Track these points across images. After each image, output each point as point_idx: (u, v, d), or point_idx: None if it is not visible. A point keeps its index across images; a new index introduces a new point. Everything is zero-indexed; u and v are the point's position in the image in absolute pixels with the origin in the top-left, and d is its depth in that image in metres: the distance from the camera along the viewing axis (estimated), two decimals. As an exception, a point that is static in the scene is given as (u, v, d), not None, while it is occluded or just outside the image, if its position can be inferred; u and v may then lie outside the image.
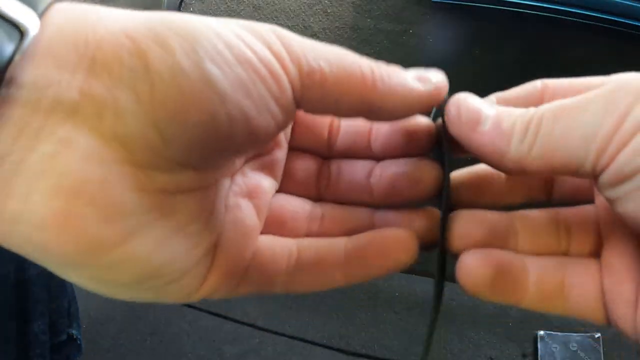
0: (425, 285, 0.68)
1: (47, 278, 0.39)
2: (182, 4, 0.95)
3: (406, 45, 0.81)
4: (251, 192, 0.21)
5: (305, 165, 0.23)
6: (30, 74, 0.14)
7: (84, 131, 0.15)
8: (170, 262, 0.17)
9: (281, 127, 0.18)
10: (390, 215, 0.22)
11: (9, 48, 0.14)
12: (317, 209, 0.22)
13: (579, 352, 0.60)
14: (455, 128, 0.20)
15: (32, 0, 0.15)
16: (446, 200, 0.21)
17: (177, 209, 0.17)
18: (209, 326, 0.67)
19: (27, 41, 0.14)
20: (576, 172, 0.17)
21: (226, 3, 0.93)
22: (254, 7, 0.92)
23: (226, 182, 0.21)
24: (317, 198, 0.23)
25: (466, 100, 0.20)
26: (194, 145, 0.16)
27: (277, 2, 0.92)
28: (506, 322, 0.63)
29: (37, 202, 0.14)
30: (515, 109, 0.19)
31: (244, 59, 0.16)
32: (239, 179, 0.22)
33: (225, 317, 0.67)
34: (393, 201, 0.22)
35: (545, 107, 0.18)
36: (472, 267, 0.20)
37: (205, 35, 0.16)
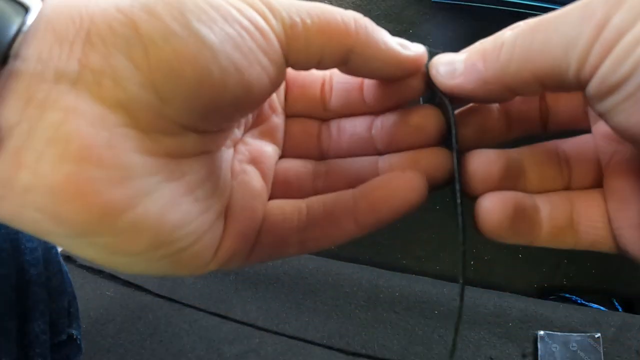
0: (425, 286, 0.68)
1: (47, 278, 0.39)
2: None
3: (406, 46, 0.81)
4: (255, 159, 0.22)
5: (304, 128, 0.23)
6: (35, 48, 0.15)
7: (86, 99, 0.15)
8: (183, 225, 0.17)
9: (274, 83, 0.19)
10: (395, 159, 0.22)
11: (15, 23, 0.15)
12: (321, 167, 0.23)
13: (579, 352, 0.60)
14: (440, 85, 0.21)
15: None
16: (455, 141, 0.21)
17: (184, 173, 0.18)
18: (209, 326, 0.67)
19: (31, 17, 0.15)
20: (561, 84, 0.18)
21: (226, 3, 0.93)
22: (254, 7, 0.92)
23: (229, 151, 0.21)
24: (320, 159, 0.23)
25: (440, 58, 0.22)
26: (192, 102, 0.17)
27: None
28: (506, 322, 0.63)
29: (47, 169, 0.15)
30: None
31: (230, 17, 0.17)
32: (241, 147, 0.22)
33: (225, 317, 0.67)
34: (398, 151, 0.23)
35: (521, 23, 0.19)
36: (492, 210, 0.20)
37: (191, 0, 0.16)
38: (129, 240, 0.16)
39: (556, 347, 0.61)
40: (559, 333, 0.61)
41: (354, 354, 0.63)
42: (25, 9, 0.15)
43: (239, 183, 0.21)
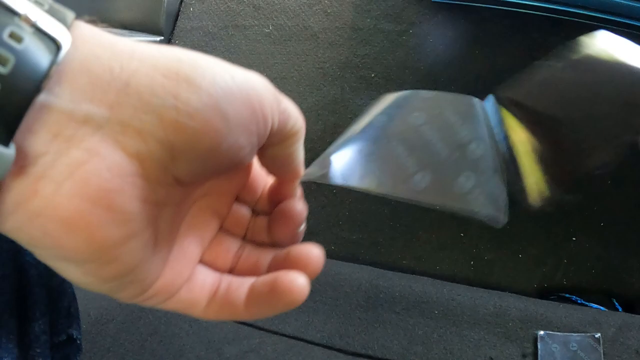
0: (425, 286, 0.68)
1: (47, 279, 0.39)
2: (182, 3, 0.95)
3: (406, 45, 0.81)
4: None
5: (242, 213, 0.26)
6: (68, 87, 0.17)
7: (109, 144, 0.17)
8: (145, 263, 0.20)
9: (251, 158, 0.22)
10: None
11: (47, 58, 0.16)
12: (241, 248, 0.26)
13: (579, 352, 0.60)
14: None
15: (62, 16, 0.17)
16: None
17: (159, 219, 0.20)
18: (209, 326, 0.67)
19: (63, 53, 0.16)
20: None
21: (226, 3, 0.93)
22: (254, 7, 0.92)
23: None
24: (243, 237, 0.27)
25: None
26: (197, 164, 0.19)
27: (277, 2, 0.92)
28: (506, 322, 0.63)
29: (63, 201, 0.17)
30: None
31: (250, 106, 0.19)
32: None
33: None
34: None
35: None
36: None
37: (223, 80, 0.19)
38: (108, 269, 0.18)
39: (556, 347, 0.61)
40: (559, 333, 0.61)
41: (354, 354, 0.63)
42: (57, 46, 0.16)
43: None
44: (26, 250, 0.37)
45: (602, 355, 0.59)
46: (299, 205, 0.26)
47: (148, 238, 0.19)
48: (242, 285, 0.23)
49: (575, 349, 0.60)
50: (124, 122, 0.17)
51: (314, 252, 0.24)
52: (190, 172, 0.19)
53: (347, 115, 0.82)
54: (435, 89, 0.76)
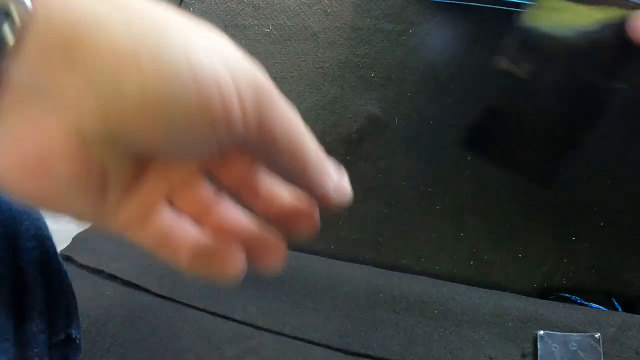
0: (425, 286, 0.68)
1: (46, 278, 0.39)
2: (182, 3, 0.95)
3: (406, 45, 0.81)
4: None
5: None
6: (21, 62, 0.16)
7: (47, 113, 0.17)
8: (92, 209, 0.20)
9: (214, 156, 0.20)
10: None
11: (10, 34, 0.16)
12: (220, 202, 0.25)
13: (579, 352, 0.60)
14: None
15: None
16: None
17: (110, 173, 0.20)
18: (209, 326, 0.67)
19: (15, 26, 0.16)
20: None
21: (226, 3, 0.93)
22: (254, 7, 0.92)
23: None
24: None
25: None
26: (138, 152, 0.19)
27: (277, 2, 0.92)
28: (506, 322, 0.63)
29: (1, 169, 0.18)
30: None
31: (204, 107, 0.18)
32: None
33: (226, 317, 0.67)
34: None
35: None
36: None
37: (176, 65, 0.17)
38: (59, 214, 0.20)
39: (556, 347, 0.61)
40: (559, 333, 0.61)
41: (354, 354, 0.63)
42: (8, 16, 0.16)
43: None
44: (24, 250, 0.37)
45: (602, 356, 0.59)
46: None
47: (95, 193, 0.20)
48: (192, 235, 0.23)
49: (575, 349, 0.60)
50: (64, 92, 0.17)
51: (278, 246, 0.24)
52: (133, 153, 0.19)
53: (348, 116, 0.82)
54: (434, 89, 0.76)
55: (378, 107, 0.79)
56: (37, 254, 0.38)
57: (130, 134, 0.17)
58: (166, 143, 0.18)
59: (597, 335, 0.60)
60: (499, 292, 0.67)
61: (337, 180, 0.24)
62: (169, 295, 0.69)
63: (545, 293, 0.69)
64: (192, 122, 0.17)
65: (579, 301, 0.66)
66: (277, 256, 0.24)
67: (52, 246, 0.42)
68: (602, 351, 0.59)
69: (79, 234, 0.82)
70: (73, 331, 0.42)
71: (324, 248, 0.76)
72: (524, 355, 0.61)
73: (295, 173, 0.22)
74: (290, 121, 0.21)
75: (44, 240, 0.40)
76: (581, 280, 0.69)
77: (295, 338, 0.64)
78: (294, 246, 0.71)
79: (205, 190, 0.25)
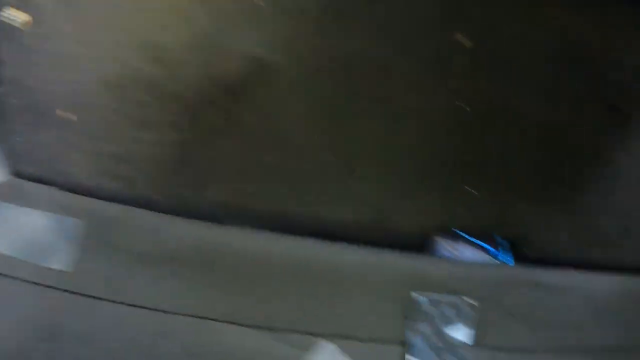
0: (313, 249, 0.67)
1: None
2: None
3: None
4: None
5: None
6: None
7: None
8: None
9: None
10: None
11: None
12: None
13: (452, 312, 0.64)
14: None
15: None
16: None
17: None
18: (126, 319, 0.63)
19: None
20: None
21: None
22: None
23: None
24: None
25: None
26: None
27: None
28: (392, 283, 0.66)
29: None
30: None
31: None
32: None
33: (127, 304, 0.63)
34: None
35: None
36: None
37: None
38: None
39: (433, 309, 0.64)
40: (435, 294, 0.64)
41: (254, 327, 0.63)
42: None
43: None
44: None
45: (475, 316, 0.64)
46: None
47: None
48: None
49: (449, 310, 0.64)
50: None
51: None
52: None
53: (227, 56, 0.72)
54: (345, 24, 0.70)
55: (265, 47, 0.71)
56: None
57: None
58: None
59: (469, 299, 0.64)
60: (387, 251, 0.68)
61: None
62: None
63: (438, 231, 0.71)
64: None
65: (469, 238, 0.70)
66: None
67: None
68: (475, 311, 0.64)
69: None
70: None
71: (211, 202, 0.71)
72: (405, 317, 0.64)
73: None
74: None
75: None
76: (471, 225, 0.73)
77: (202, 317, 0.64)
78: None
79: None
